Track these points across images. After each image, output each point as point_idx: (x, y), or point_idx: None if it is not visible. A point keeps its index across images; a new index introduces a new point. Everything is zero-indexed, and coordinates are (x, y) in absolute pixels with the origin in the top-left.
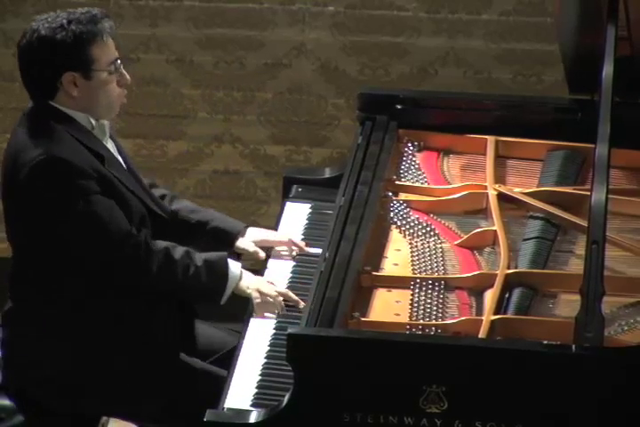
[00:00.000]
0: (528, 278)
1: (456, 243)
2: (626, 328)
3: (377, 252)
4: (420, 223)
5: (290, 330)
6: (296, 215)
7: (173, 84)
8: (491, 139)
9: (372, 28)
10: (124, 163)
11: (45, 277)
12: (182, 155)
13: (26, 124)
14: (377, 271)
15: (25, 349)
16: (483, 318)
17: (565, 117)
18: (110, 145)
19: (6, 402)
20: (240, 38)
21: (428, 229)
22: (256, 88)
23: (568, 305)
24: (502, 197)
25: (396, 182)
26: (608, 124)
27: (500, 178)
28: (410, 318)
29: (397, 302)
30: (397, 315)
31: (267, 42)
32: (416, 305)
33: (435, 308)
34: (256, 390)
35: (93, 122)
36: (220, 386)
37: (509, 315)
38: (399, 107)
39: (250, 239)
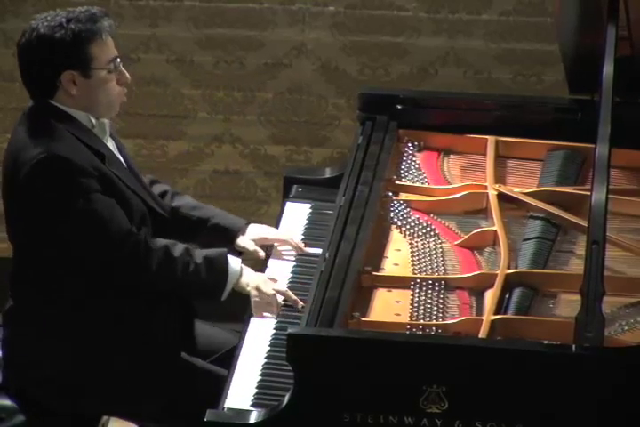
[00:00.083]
0: (528, 278)
1: (456, 243)
2: (626, 328)
3: (377, 252)
4: (420, 223)
5: (290, 330)
6: (296, 215)
7: (173, 84)
8: (491, 139)
9: (372, 28)
10: (125, 161)
11: (46, 276)
12: (182, 155)
13: (26, 123)
14: (377, 271)
15: (25, 349)
16: (483, 318)
17: (565, 117)
18: (111, 144)
19: (7, 402)
20: (240, 38)
21: (429, 229)
22: (256, 88)
23: (568, 305)
24: (502, 197)
25: (397, 182)
26: (608, 124)
27: (500, 178)
28: (410, 318)
29: (398, 302)
30: (398, 315)
31: (267, 42)
32: (416, 305)
33: (435, 308)
34: (256, 390)
35: (93, 120)
36: (220, 386)
37: (510, 315)
38: (399, 107)
39: (249, 237)
